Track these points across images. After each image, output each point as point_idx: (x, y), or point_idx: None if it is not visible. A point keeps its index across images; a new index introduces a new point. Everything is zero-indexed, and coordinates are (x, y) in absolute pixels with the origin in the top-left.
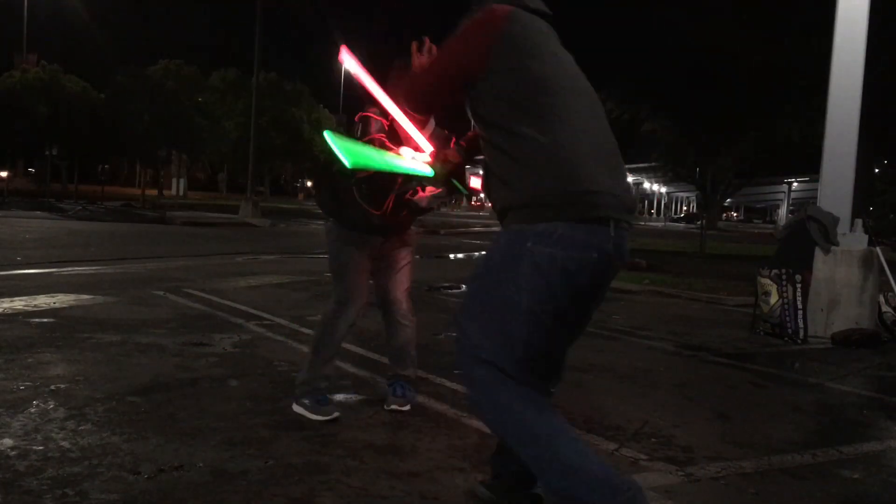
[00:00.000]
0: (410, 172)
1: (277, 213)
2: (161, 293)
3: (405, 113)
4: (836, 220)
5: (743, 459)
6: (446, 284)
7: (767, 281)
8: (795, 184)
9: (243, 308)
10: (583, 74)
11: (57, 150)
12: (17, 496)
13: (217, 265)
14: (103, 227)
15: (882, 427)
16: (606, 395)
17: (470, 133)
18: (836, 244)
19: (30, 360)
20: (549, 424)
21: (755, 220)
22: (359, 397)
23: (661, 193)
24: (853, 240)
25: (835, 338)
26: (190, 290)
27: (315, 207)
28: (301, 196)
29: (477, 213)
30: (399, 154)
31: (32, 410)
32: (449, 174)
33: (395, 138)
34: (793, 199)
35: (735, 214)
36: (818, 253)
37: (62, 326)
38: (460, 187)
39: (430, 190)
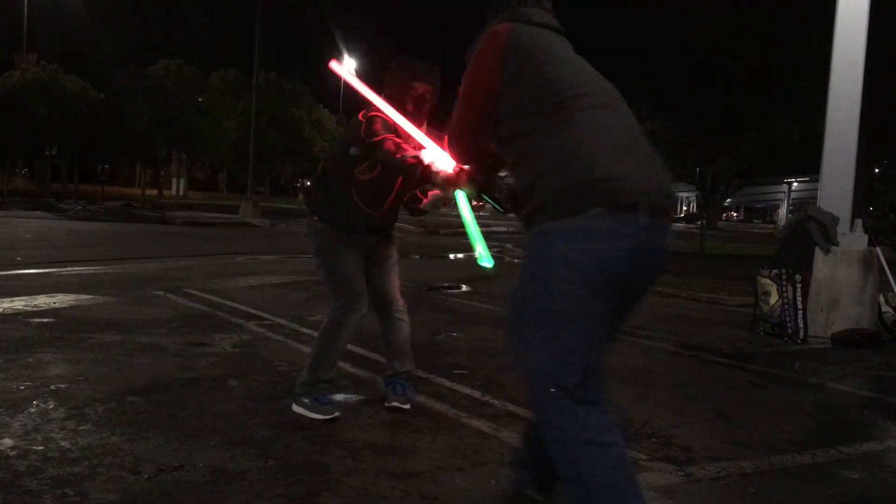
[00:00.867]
0: (473, 243)
1: (277, 213)
2: (161, 293)
3: (413, 122)
4: (836, 220)
5: (743, 459)
6: (446, 284)
7: (767, 281)
8: (795, 184)
9: (243, 308)
10: (601, 76)
11: (57, 150)
12: (17, 496)
13: (217, 265)
14: (103, 227)
15: (882, 427)
16: None
17: (490, 148)
18: (836, 244)
19: (30, 360)
20: (609, 470)
21: (755, 220)
22: (359, 397)
23: None
24: (853, 240)
25: (835, 338)
26: (190, 290)
27: None
28: (301, 196)
29: (477, 214)
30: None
31: (32, 410)
32: (479, 191)
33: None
34: (793, 199)
35: (735, 214)
36: (818, 253)
37: (62, 326)
38: (493, 203)
39: (431, 194)
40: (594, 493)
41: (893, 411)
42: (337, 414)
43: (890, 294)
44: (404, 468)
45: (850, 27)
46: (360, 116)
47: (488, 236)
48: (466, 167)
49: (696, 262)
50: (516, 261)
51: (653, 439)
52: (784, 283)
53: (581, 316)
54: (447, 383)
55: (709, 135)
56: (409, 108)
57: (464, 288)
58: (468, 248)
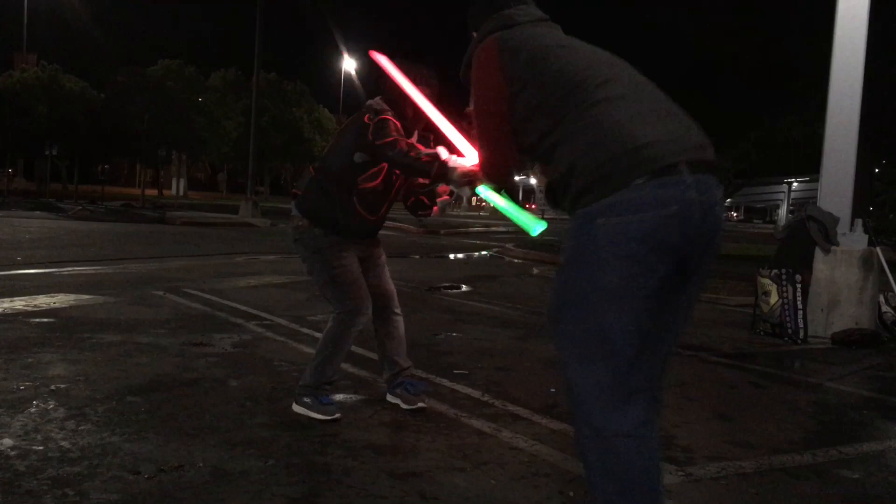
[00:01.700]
0: (518, 220)
1: (277, 213)
2: (161, 293)
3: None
4: (836, 220)
5: (743, 459)
6: (446, 284)
7: (767, 281)
8: (795, 184)
9: (243, 308)
10: (600, 49)
11: (57, 150)
12: (17, 496)
13: (217, 265)
14: (103, 227)
15: (882, 427)
16: None
17: None
18: (836, 244)
19: (30, 360)
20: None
21: (755, 220)
22: (359, 397)
23: None
24: (853, 240)
25: (835, 338)
26: (190, 290)
27: None
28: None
29: (477, 214)
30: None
31: (32, 410)
32: (500, 188)
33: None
34: (793, 199)
35: (735, 214)
36: (818, 253)
37: (62, 326)
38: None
39: (440, 200)
40: (625, 487)
41: (893, 411)
42: (338, 415)
43: (890, 294)
44: (404, 468)
45: (851, 27)
46: (365, 119)
47: (488, 236)
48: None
49: None
50: (517, 261)
51: None
52: (784, 283)
53: (626, 295)
54: (447, 383)
55: (708, 135)
56: (408, 113)
57: (464, 288)
58: (468, 248)
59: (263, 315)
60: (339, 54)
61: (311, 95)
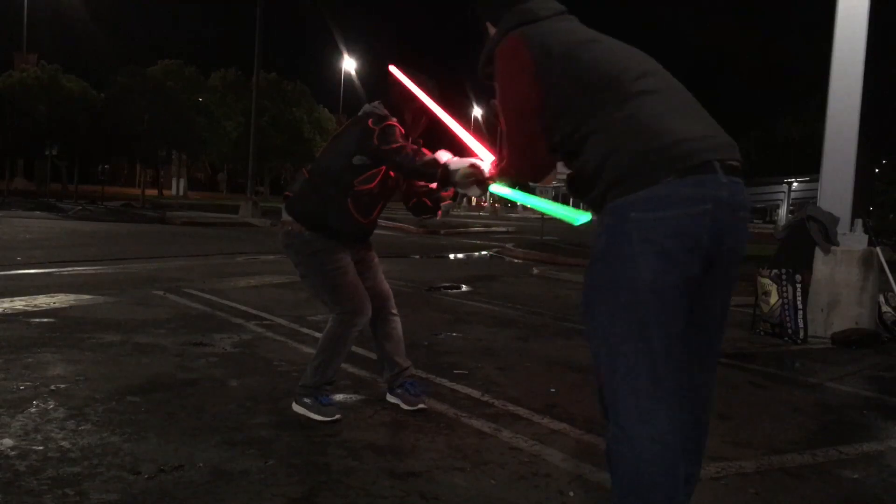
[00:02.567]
0: (557, 214)
1: (277, 213)
2: (161, 293)
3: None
4: (836, 220)
5: (743, 459)
6: (446, 284)
7: (767, 281)
8: (795, 184)
9: (243, 308)
10: (624, 44)
11: (57, 150)
12: (17, 496)
13: (217, 265)
14: (103, 227)
15: (882, 427)
16: None
17: None
18: (836, 244)
19: (30, 360)
20: None
21: (755, 220)
22: (359, 397)
23: None
24: (853, 240)
25: (835, 338)
26: (190, 290)
27: None
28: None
29: (477, 214)
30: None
31: (32, 410)
32: (514, 184)
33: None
34: (793, 199)
35: None
36: (818, 253)
37: (62, 326)
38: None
39: (444, 204)
40: (641, 494)
41: (893, 411)
42: (338, 416)
43: (890, 294)
44: (404, 468)
45: (851, 27)
46: (369, 124)
47: (488, 236)
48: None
49: None
50: (517, 261)
51: None
52: (784, 283)
53: (659, 292)
54: (447, 383)
55: None
56: (407, 118)
57: (464, 288)
58: (468, 248)
59: (263, 315)
60: (339, 54)
61: (311, 95)
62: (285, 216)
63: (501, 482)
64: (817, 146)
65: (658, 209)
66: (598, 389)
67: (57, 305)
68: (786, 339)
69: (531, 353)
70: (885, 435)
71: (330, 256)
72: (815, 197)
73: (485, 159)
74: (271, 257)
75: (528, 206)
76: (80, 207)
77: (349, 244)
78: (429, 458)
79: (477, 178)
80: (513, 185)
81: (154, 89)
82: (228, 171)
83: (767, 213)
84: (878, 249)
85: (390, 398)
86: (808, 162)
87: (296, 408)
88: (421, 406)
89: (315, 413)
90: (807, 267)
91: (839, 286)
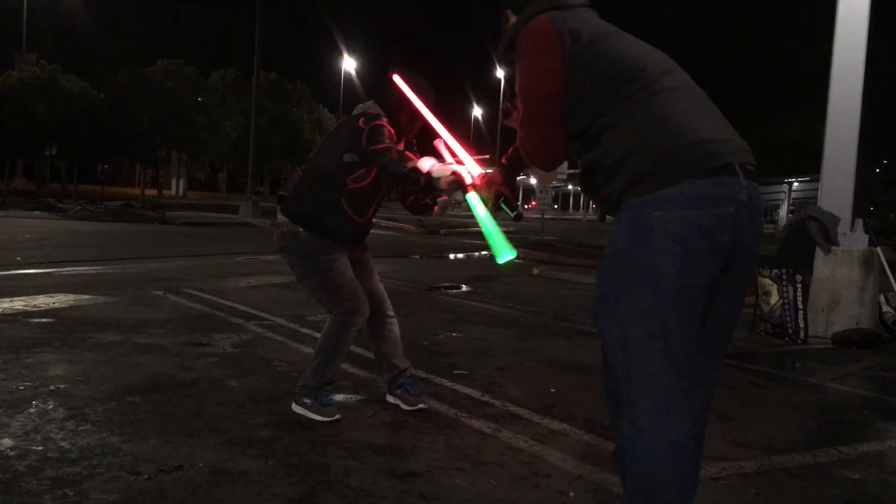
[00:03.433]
0: (492, 241)
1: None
2: (161, 293)
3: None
4: (836, 220)
5: (743, 459)
6: (446, 284)
7: (767, 281)
8: (795, 184)
9: (243, 308)
10: (644, 42)
11: (56, 150)
12: (17, 496)
13: (217, 265)
14: (103, 227)
15: (882, 427)
16: None
17: (510, 150)
18: (837, 244)
19: (30, 360)
20: None
21: None
22: (359, 397)
23: None
24: (853, 240)
25: (835, 338)
26: (190, 290)
27: None
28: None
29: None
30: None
31: (32, 410)
32: (496, 198)
33: (407, 147)
34: (793, 199)
35: None
36: (818, 253)
37: (62, 326)
38: (508, 210)
39: (441, 200)
40: (652, 496)
41: (893, 411)
42: (338, 416)
43: (890, 294)
44: (404, 468)
45: (851, 27)
46: (360, 123)
47: (484, 238)
48: (488, 172)
49: None
50: (517, 261)
51: None
52: (784, 283)
53: (680, 291)
54: (447, 383)
55: None
56: (403, 120)
57: (464, 288)
58: (468, 248)
59: (263, 315)
60: (339, 54)
61: (311, 95)
62: (281, 217)
63: (501, 482)
64: (817, 146)
65: (683, 208)
66: (605, 390)
67: (56, 305)
68: (786, 339)
69: (531, 353)
70: (886, 435)
71: (327, 257)
72: (816, 197)
73: (470, 168)
74: (271, 257)
75: (478, 223)
76: (79, 207)
77: (345, 244)
78: (429, 459)
79: (459, 185)
80: (485, 202)
81: (154, 89)
82: (228, 171)
83: (768, 213)
84: (879, 249)
85: (390, 399)
86: (809, 162)
87: (295, 408)
88: (421, 406)
89: (315, 413)
90: (807, 267)
91: (840, 286)
